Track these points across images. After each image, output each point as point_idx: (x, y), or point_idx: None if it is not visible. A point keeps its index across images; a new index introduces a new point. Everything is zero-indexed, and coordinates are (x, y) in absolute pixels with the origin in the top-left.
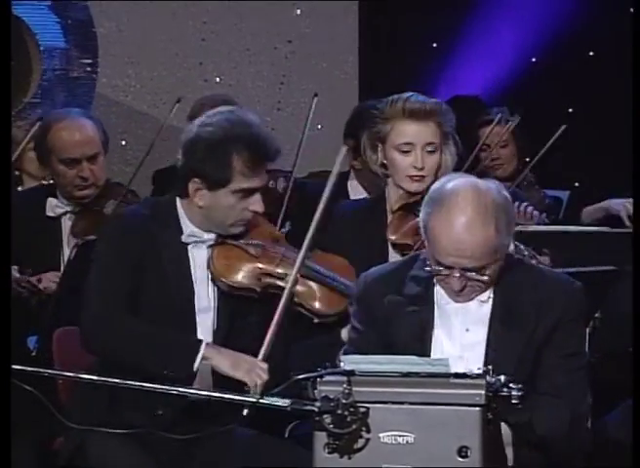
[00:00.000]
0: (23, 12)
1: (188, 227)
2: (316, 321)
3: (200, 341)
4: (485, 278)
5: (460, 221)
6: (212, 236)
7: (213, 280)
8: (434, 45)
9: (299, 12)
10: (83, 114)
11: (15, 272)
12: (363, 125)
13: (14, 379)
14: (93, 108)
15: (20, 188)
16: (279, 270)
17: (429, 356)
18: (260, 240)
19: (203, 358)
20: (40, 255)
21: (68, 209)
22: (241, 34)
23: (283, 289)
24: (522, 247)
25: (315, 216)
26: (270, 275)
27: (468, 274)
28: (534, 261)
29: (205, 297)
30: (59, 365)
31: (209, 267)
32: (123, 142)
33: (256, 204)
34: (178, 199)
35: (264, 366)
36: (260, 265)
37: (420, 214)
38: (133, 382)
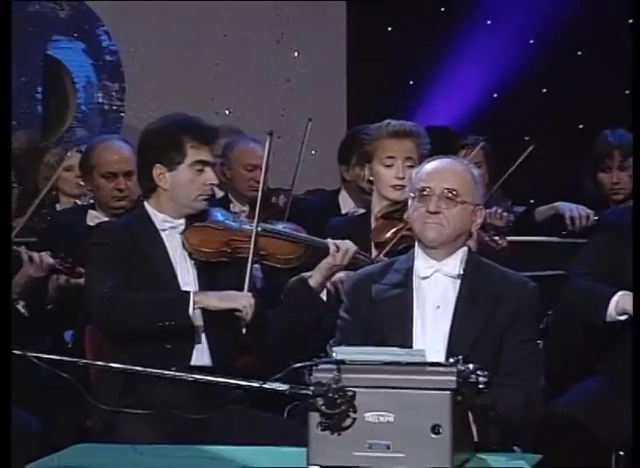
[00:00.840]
0: (61, 54)
1: (158, 217)
2: (279, 266)
3: (188, 292)
4: (454, 210)
5: (446, 160)
6: (181, 222)
7: (190, 255)
8: (411, 82)
9: (296, 55)
10: (120, 138)
11: (47, 258)
12: (353, 148)
13: (53, 368)
14: (122, 135)
15: (57, 205)
16: (241, 236)
17: (411, 330)
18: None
19: (194, 303)
20: (82, 258)
21: (106, 219)
22: (247, 73)
23: (248, 248)
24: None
25: (259, 195)
26: (236, 239)
27: (448, 199)
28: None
29: (185, 274)
30: (89, 355)
31: (184, 246)
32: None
33: (210, 176)
34: (144, 201)
35: (249, 294)
36: (226, 234)
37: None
38: (151, 370)
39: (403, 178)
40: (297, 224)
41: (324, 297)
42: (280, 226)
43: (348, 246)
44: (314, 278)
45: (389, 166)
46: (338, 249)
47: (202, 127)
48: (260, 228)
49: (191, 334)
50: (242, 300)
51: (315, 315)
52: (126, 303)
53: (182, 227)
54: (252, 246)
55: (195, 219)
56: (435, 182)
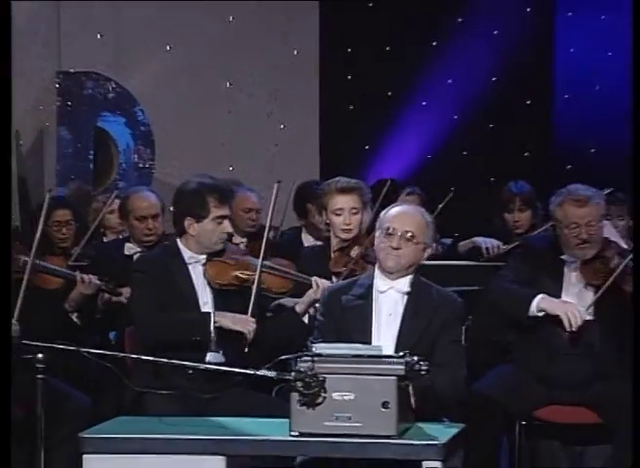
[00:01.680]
0: (108, 125)
1: (187, 253)
2: (273, 296)
3: (209, 313)
4: (410, 248)
5: (407, 207)
6: (203, 257)
7: (208, 283)
8: (366, 147)
9: (282, 126)
10: (149, 189)
11: (95, 280)
12: (308, 198)
13: (100, 360)
14: (153, 186)
15: (104, 239)
16: (248, 271)
17: (371, 330)
18: (238, 255)
19: (214, 322)
20: (120, 279)
21: (138, 250)
22: (245, 140)
23: (253, 281)
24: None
25: (264, 239)
26: (243, 274)
27: (407, 239)
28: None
29: (205, 296)
30: (127, 350)
31: (205, 276)
32: (171, 208)
33: (227, 227)
34: (178, 239)
35: (252, 319)
36: (236, 270)
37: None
38: (173, 361)
39: (350, 224)
40: (287, 260)
41: (305, 320)
42: (276, 264)
43: (326, 284)
44: (300, 306)
45: (339, 215)
46: (318, 285)
47: (223, 189)
48: (265, 265)
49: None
50: (248, 325)
51: (298, 333)
52: (162, 323)
53: (204, 260)
54: (256, 280)
55: (214, 255)
56: (398, 225)
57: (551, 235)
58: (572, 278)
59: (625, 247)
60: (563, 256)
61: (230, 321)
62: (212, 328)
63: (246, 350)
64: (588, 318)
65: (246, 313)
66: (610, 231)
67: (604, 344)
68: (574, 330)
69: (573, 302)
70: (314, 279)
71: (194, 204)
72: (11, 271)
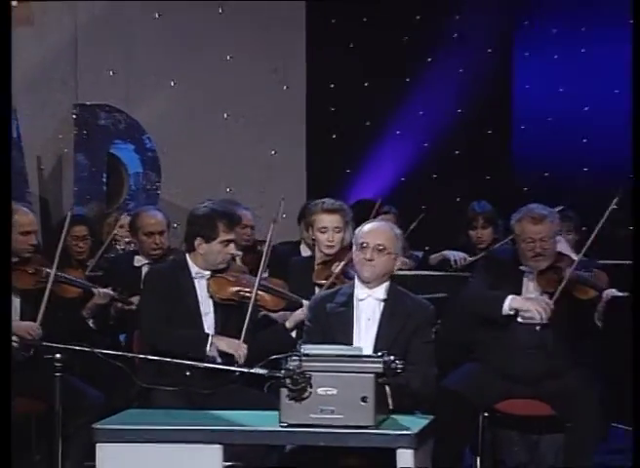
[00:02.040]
0: (119, 152)
1: (194, 268)
2: (265, 313)
3: (208, 334)
4: (383, 258)
5: (378, 223)
6: (208, 273)
7: (211, 297)
8: (347, 171)
9: (273, 153)
10: (156, 208)
11: (109, 291)
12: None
13: (111, 359)
14: (159, 206)
15: (117, 247)
16: (247, 289)
17: (353, 333)
18: (239, 273)
19: (211, 343)
20: (130, 288)
21: (146, 262)
22: (240, 165)
23: (250, 298)
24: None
25: (263, 259)
26: (242, 291)
27: (378, 249)
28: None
29: (206, 307)
30: (135, 351)
31: (208, 290)
32: (175, 225)
33: (232, 249)
34: (187, 254)
35: (244, 345)
36: (236, 286)
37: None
38: (176, 360)
39: (332, 241)
40: (280, 279)
41: (293, 334)
42: (272, 284)
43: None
44: (289, 323)
45: (324, 232)
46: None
47: (232, 216)
48: (261, 284)
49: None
50: (240, 350)
51: (286, 344)
52: (165, 334)
53: (209, 275)
54: (252, 300)
55: (218, 272)
56: (370, 239)
57: (512, 248)
58: (529, 286)
59: (575, 259)
60: (521, 267)
61: (225, 344)
62: (207, 348)
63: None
64: (542, 320)
65: (242, 325)
66: (562, 245)
67: (557, 345)
68: (544, 321)
69: (541, 297)
70: (305, 302)
71: (205, 226)
72: (10, 273)
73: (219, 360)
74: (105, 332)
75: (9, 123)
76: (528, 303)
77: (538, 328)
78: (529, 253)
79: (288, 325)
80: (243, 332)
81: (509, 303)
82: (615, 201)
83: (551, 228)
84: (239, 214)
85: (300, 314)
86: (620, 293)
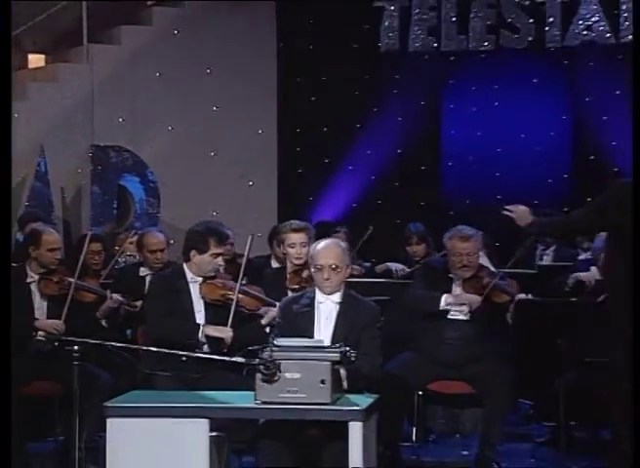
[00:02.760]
0: (127, 183)
1: (189, 275)
2: (247, 313)
3: (199, 324)
4: (337, 275)
5: (327, 242)
6: (200, 279)
7: (202, 298)
8: (310, 198)
9: (250, 184)
10: (158, 229)
11: (118, 297)
12: (273, 236)
13: (119, 350)
14: (159, 227)
15: (124, 259)
16: (230, 292)
17: (314, 330)
18: (225, 280)
19: (202, 331)
20: (136, 293)
21: (149, 272)
22: (224, 193)
23: (233, 299)
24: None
25: (241, 268)
26: (227, 294)
27: (331, 268)
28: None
29: (198, 306)
30: (140, 343)
31: (200, 293)
32: (172, 241)
33: (220, 261)
34: (184, 263)
35: (230, 329)
36: (223, 290)
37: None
38: (172, 351)
39: (300, 254)
40: (257, 286)
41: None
42: (251, 289)
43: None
44: (265, 320)
45: (293, 247)
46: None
47: (221, 234)
48: (241, 289)
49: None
50: (226, 333)
51: (261, 337)
52: (166, 327)
53: (201, 281)
54: (234, 301)
55: (208, 278)
56: (323, 261)
57: (443, 259)
58: (457, 290)
59: (493, 270)
60: (450, 275)
61: (213, 330)
62: (200, 334)
63: (225, 351)
64: (465, 317)
65: (227, 321)
66: (483, 259)
67: (477, 337)
68: (468, 317)
69: (471, 295)
70: (277, 303)
71: (199, 241)
72: (10, 275)
73: (206, 349)
74: (115, 329)
75: (9, 127)
76: (461, 298)
77: (464, 316)
78: (457, 265)
79: (263, 322)
80: (229, 322)
81: (445, 299)
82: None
83: (475, 245)
84: (227, 233)
85: (272, 314)
86: (528, 297)
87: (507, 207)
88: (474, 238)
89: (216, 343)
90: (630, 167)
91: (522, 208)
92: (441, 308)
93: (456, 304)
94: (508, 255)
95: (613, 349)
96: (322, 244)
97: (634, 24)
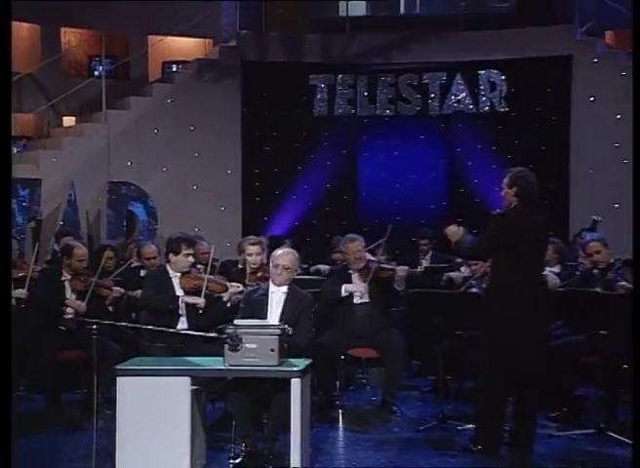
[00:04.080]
0: (133, 208)
1: (171, 272)
2: (217, 296)
3: (179, 295)
4: (287, 273)
5: (283, 250)
6: (179, 274)
7: (182, 288)
8: (265, 218)
9: (222, 209)
10: (154, 242)
11: (120, 289)
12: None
13: (126, 328)
14: (156, 240)
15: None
16: (201, 281)
17: (267, 312)
18: (197, 273)
19: (182, 300)
20: (137, 287)
21: (146, 271)
22: (204, 217)
23: (203, 286)
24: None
25: (208, 264)
26: (198, 283)
27: (284, 267)
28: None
29: (179, 292)
30: (141, 323)
31: (180, 284)
32: (163, 250)
33: (191, 259)
34: (166, 264)
35: (203, 299)
36: (195, 280)
37: (272, 255)
38: (162, 328)
39: (256, 261)
40: (223, 276)
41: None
42: (217, 278)
43: (241, 287)
44: (226, 297)
45: (250, 256)
46: (236, 287)
47: (190, 240)
48: (208, 279)
49: (178, 317)
50: (199, 301)
51: (225, 311)
52: (155, 299)
53: (180, 275)
54: (204, 287)
55: (185, 273)
56: (280, 262)
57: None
58: (355, 280)
59: (374, 259)
60: (350, 270)
61: (189, 298)
62: (180, 302)
63: (200, 312)
64: (366, 300)
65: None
66: (369, 256)
67: (375, 313)
68: (365, 299)
69: (360, 284)
70: (233, 284)
71: (174, 246)
72: (10, 276)
73: (185, 322)
74: (122, 313)
75: (9, 129)
76: (354, 287)
77: (365, 299)
78: (351, 260)
79: (225, 298)
80: (202, 294)
81: (345, 288)
82: (389, 229)
83: (360, 245)
84: (194, 239)
85: (232, 292)
86: (407, 269)
87: (446, 228)
88: (359, 240)
89: (193, 315)
90: (488, 197)
91: (453, 227)
92: (342, 295)
93: (351, 291)
94: (403, 259)
95: (487, 326)
96: (281, 251)
97: (634, 25)
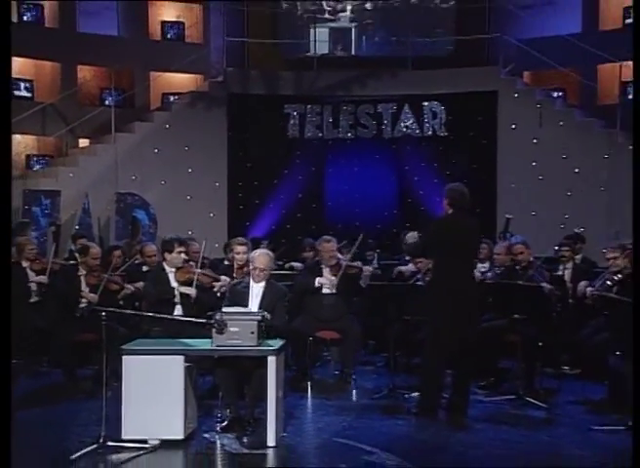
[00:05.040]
0: (138, 215)
1: (167, 268)
2: (207, 287)
3: (174, 287)
4: (264, 273)
5: (260, 251)
6: (174, 269)
7: (177, 280)
8: (247, 224)
9: (211, 215)
10: (153, 243)
11: (130, 286)
12: (226, 247)
13: (131, 315)
14: (156, 241)
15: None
16: (192, 274)
17: (249, 301)
18: (189, 268)
19: (177, 290)
20: (140, 280)
21: (148, 268)
22: (198, 221)
23: (194, 278)
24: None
25: (199, 260)
26: (190, 276)
27: (261, 270)
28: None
29: (175, 285)
30: (143, 311)
31: (175, 277)
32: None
33: (183, 256)
34: (163, 261)
35: (194, 289)
36: (187, 274)
37: (251, 256)
38: (161, 315)
39: (242, 259)
40: (213, 270)
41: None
42: (207, 272)
43: (227, 280)
44: (216, 288)
45: (238, 254)
46: (224, 281)
47: (182, 240)
48: (199, 273)
49: (174, 305)
50: (192, 291)
51: (215, 299)
52: (154, 291)
53: (175, 270)
54: (195, 279)
55: (179, 268)
56: (257, 264)
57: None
58: (326, 273)
59: (345, 261)
60: (322, 265)
61: (184, 289)
62: (175, 292)
63: (192, 301)
64: (334, 291)
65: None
66: (341, 257)
67: (339, 302)
68: (334, 290)
69: (330, 277)
70: (222, 277)
71: (168, 245)
72: (11, 276)
73: (180, 309)
74: (127, 302)
75: (9, 132)
76: (324, 280)
77: (332, 290)
78: (325, 257)
79: (215, 289)
80: (193, 285)
81: (318, 281)
82: (360, 237)
83: (333, 245)
84: (185, 240)
85: (221, 284)
86: (371, 269)
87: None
88: (333, 241)
89: (187, 304)
90: (431, 206)
91: (411, 233)
92: (315, 286)
93: (323, 283)
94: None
95: (429, 312)
96: (258, 253)
97: (634, 25)
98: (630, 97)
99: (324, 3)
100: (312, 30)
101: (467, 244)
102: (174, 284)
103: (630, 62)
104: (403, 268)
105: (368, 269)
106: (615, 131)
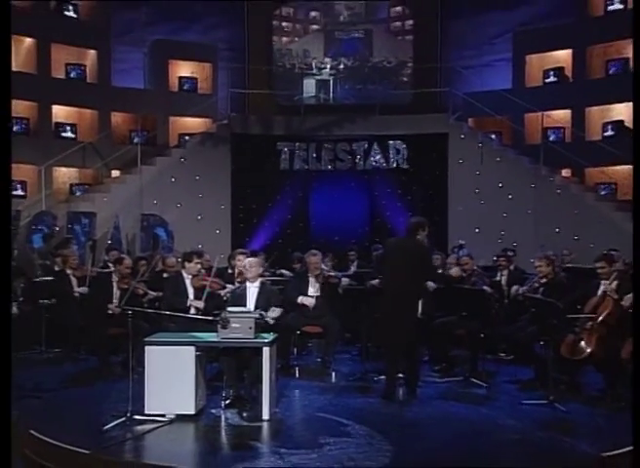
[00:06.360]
0: (158, 232)
1: (185, 275)
2: (214, 291)
3: (188, 299)
4: (254, 269)
5: (251, 259)
6: (190, 276)
7: (193, 286)
8: (247, 239)
9: (217, 231)
10: (173, 255)
11: (153, 293)
12: (230, 257)
13: (153, 314)
14: (174, 253)
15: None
16: (205, 282)
17: (246, 302)
18: (203, 276)
19: (190, 303)
20: (161, 287)
21: (167, 275)
22: (206, 237)
23: (206, 285)
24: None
25: (212, 271)
26: (204, 283)
27: (252, 267)
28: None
29: (190, 290)
30: (162, 310)
31: (191, 283)
32: (179, 260)
33: (199, 266)
34: (182, 269)
35: (202, 303)
36: (201, 281)
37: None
38: (177, 314)
39: (244, 266)
40: (219, 277)
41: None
42: (216, 280)
43: (231, 287)
44: (223, 293)
45: (239, 261)
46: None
47: (198, 252)
48: (210, 281)
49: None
50: (200, 304)
51: (221, 304)
52: (173, 301)
53: (191, 277)
54: (207, 286)
55: (194, 276)
56: (249, 266)
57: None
58: (312, 281)
59: (332, 273)
60: (309, 275)
61: (195, 302)
62: (188, 304)
63: (202, 312)
64: (318, 294)
65: (203, 297)
66: (324, 266)
67: (322, 303)
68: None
69: (310, 297)
70: (229, 285)
71: (189, 257)
72: (10, 275)
73: (193, 311)
74: (150, 304)
75: (9, 133)
76: (304, 300)
77: (317, 293)
78: (311, 268)
79: (222, 294)
80: (203, 298)
81: (300, 298)
82: (354, 250)
83: (319, 259)
84: (202, 253)
85: (225, 291)
86: (348, 280)
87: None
88: (318, 255)
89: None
90: (395, 225)
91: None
92: (297, 302)
93: (303, 302)
94: (340, 265)
95: (393, 310)
96: (249, 259)
97: (634, 25)
98: (551, 138)
99: (313, 62)
100: (303, 80)
101: (410, 260)
102: (190, 289)
103: (549, 112)
104: (374, 282)
105: (346, 281)
106: (539, 165)
